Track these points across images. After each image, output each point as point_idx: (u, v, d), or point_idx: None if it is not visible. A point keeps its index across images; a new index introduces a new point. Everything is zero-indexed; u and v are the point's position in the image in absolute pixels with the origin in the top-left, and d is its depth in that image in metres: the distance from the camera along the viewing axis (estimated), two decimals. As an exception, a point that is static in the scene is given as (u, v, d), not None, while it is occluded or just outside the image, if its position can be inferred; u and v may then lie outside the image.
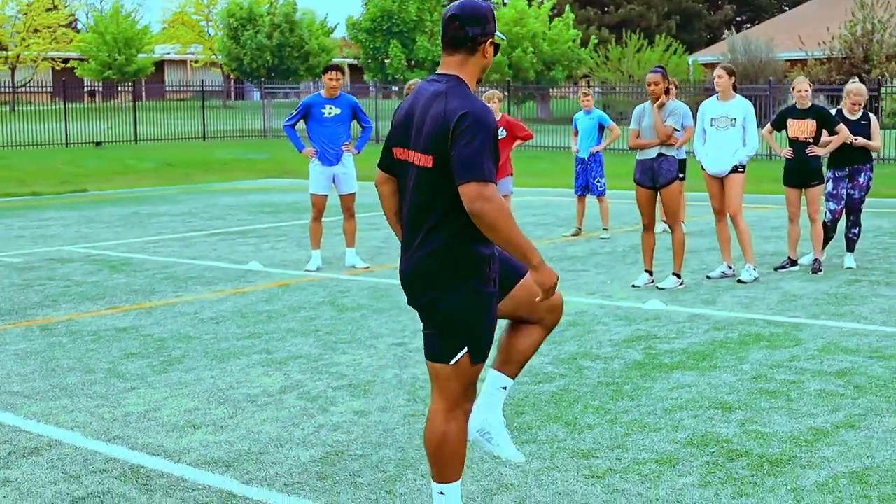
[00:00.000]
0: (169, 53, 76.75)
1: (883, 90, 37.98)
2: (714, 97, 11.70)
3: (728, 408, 6.66)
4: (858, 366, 7.67)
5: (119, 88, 55.53)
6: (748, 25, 70.67)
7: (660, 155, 10.95)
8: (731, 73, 11.69)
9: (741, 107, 11.49)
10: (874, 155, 12.53)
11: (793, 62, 50.16)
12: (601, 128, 15.31)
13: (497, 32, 4.58)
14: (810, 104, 12.00)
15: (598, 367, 7.73)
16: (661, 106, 10.90)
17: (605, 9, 67.11)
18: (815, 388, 7.09)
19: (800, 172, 11.98)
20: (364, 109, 13.29)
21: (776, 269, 12.18)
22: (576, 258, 13.21)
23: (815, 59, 48.72)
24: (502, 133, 14.14)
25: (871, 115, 12.29)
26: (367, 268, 12.61)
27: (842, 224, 12.47)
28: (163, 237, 15.68)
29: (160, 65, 76.41)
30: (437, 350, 4.62)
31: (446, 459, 4.66)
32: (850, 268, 12.20)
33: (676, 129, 10.97)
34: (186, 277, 12.04)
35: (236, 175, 28.59)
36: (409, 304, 4.73)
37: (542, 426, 6.35)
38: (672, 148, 10.99)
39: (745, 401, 6.81)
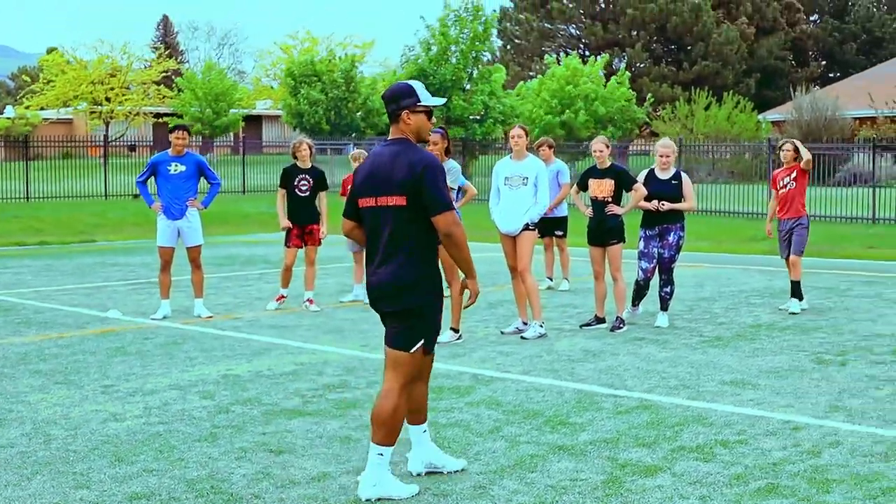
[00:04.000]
0: (269, 109, 78.76)
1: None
2: (508, 157, 12.08)
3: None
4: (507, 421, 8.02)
5: (217, 143, 57.34)
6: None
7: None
8: (527, 132, 12.09)
9: (533, 166, 11.86)
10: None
11: (861, 120, 49.49)
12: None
13: (420, 101, 6.08)
14: (609, 164, 12.29)
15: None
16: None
17: (681, 66, 66.96)
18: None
19: (600, 231, 12.26)
20: (211, 166, 13.93)
21: (581, 326, 12.41)
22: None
23: (886, 117, 48.10)
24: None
25: (684, 174, 12.50)
26: (210, 317, 13.17)
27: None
28: (83, 286, 16.42)
29: (258, 119, 78.54)
30: (399, 342, 6.13)
31: (395, 426, 6.10)
32: (659, 326, 12.37)
33: (452, 189, 11.36)
34: (37, 322, 12.78)
35: (252, 228, 29.56)
36: (381, 309, 6.23)
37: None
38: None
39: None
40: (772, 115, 56.29)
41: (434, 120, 6.26)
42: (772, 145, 32.53)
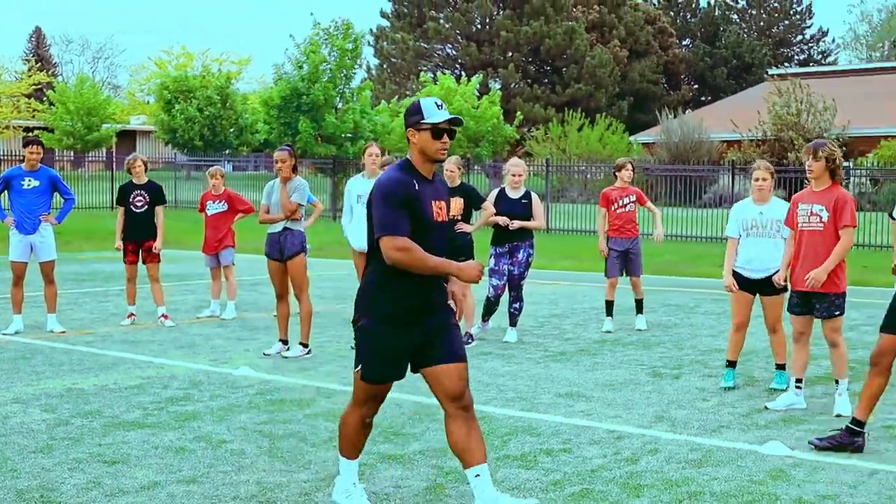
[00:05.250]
0: (143, 124, 77.91)
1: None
2: (361, 175, 12.29)
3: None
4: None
5: (89, 158, 56.51)
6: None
7: (285, 229, 11.51)
8: (383, 151, 12.31)
9: (385, 185, 12.06)
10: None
11: (729, 143, 50.81)
12: None
13: (424, 119, 5.80)
14: (459, 182, 12.57)
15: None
16: (287, 181, 11.47)
17: (555, 88, 68.04)
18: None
19: (450, 249, 12.46)
20: (82, 182, 13.88)
21: (432, 340, 12.62)
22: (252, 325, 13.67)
23: (750, 141, 49.48)
24: (223, 206, 14.74)
25: (533, 194, 12.83)
26: (63, 332, 13.10)
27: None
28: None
29: (132, 135, 77.58)
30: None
31: (341, 435, 6.19)
32: (507, 341, 12.66)
33: (301, 205, 11.53)
34: None
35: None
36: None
37: None
38: (298, 223, 11.55)
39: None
40: (643, 137, 57.53)
41: (446, 138, 5.82)
42: (639, 166, 33.25)
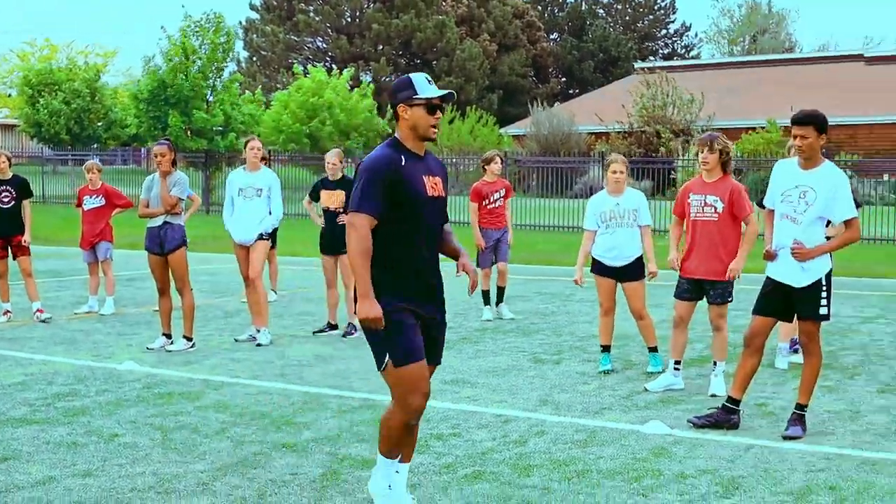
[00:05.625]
0: (6, 118, 75.94)
1: (678, 163, 39.35)
2: (241, 168, 12.31)
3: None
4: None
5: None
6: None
7: (165, 223, 11.48)
8: (262, 146, 12.35)
9: (267, 178, 12.14)
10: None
11: (597, 135, 51.66)
12: None
13: (417, 94, 5.59)
14: (341, 176, 12.68)
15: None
16: (167, 175, 11.44)
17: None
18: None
19: (332, 241, 12.61)
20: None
21: (315, 332, 12.74)
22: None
23: (617, 133, 50.43)
24: (101, 201, 14.60)
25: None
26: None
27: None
28: None
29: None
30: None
31: (382, 435, 5.80)
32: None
33: (181, 199, 11.53)
34: None
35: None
36: None
37: None
38: (178, 217, 11.54)
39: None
40: (513, 129, 58.20)
41: (439, 114, 5.61)
42: (509, 158, 33.74)
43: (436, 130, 5.63)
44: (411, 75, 5.71)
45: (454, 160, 43.20)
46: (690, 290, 9.28)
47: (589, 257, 10.38)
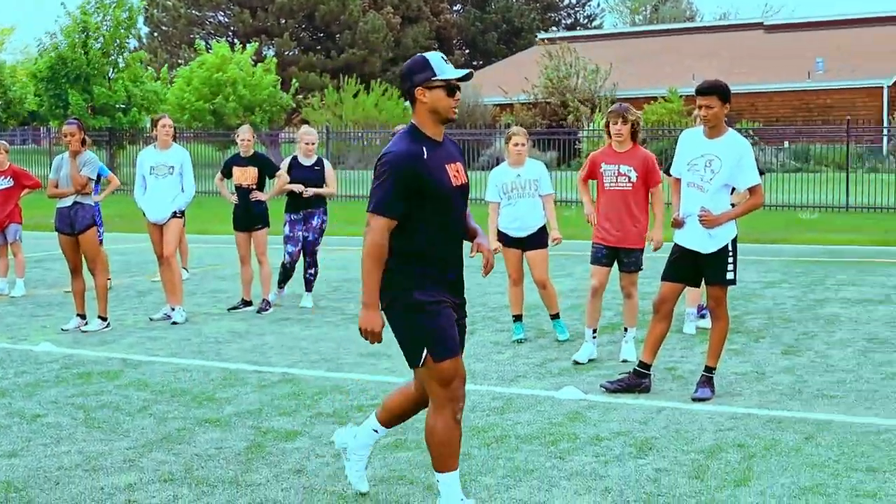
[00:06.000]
0: None
1: (582, 133, 39.80)
2: (152, 146, 12.28)
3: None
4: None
5: None
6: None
7: (76, 203, 11.44)
8: (172, 124, 12.32)
9: (178, 155, 12.14)
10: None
11: (502, 107, 51.97)
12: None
13: (436, 75, 5.23)
14: (253, 152, 12.72)
15: None
16: (76, 155, 11.39)
17: (329, 54, 68.11)
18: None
19: (245, 217, 12.67)
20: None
21: (229, 309, 12.79)
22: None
23: (521, 104, 50.79)
24: (9, 182, 14.44)
25: (326, 161, 13.09)
26: None
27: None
28: None
29: None
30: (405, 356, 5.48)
31: (436, 451, 5.40)
32: (304, 307, 12.91)
33: (91, 179, 11.48)
34: None
35: None
36: None
37: None
38: (88, 196, 11.49)
39: None
40: (418, 102, 58.16)
41: (459, 95, 5.30)
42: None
43: (456, 111, 5.33)
44: (427, 55, 5.33)
45: (359, 134, 43.23)
46: (607, 255, 9.50)
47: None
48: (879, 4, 59.36)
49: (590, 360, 9.56)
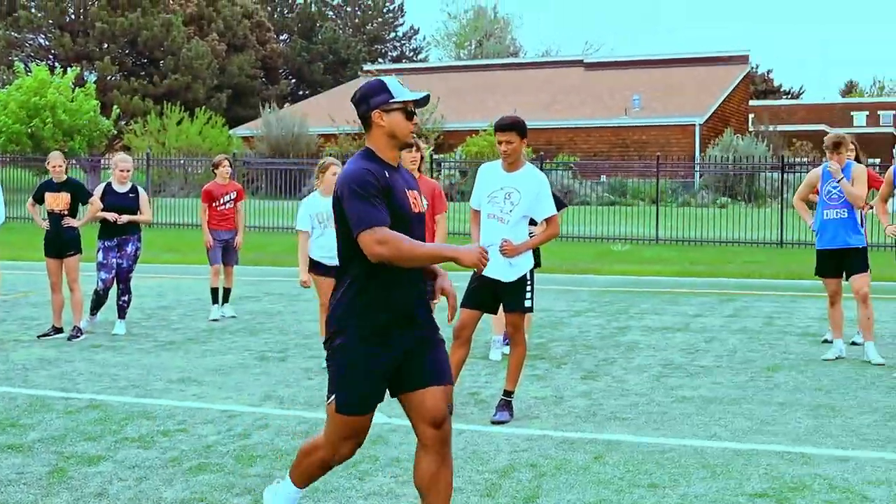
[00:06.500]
0: None
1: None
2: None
3: None
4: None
5: None
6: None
7: None
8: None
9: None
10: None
11: (327, 136, 52.13)
12: None
13: (394, 98, 5.08)
14: (66, 178, 12.65)
15: None
16: None
17: (153, 80, 67.36)
18: None
19: (56, 244, 12.58)
20: None
21: (39, 336, 12.66)
22: None
23: (346, 134, 51.06)
24: None
25: (140, 188, 13.10)
26: None
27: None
28: None
29: None
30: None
31: (301, 462, 5.47)
32: (116, 333, 12.86)
33: None
34: None
35: None
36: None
37: None
38: None
39: None
40: (242, 130, 58.05)
41: (416, 120, 5.12)
42: (233, 160, 33.88)
43: (412, 135, 5.20)
44: (383, 78, 5.17)
45: (182, 162, 42.90)
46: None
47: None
48: (694, 45, 61.66)
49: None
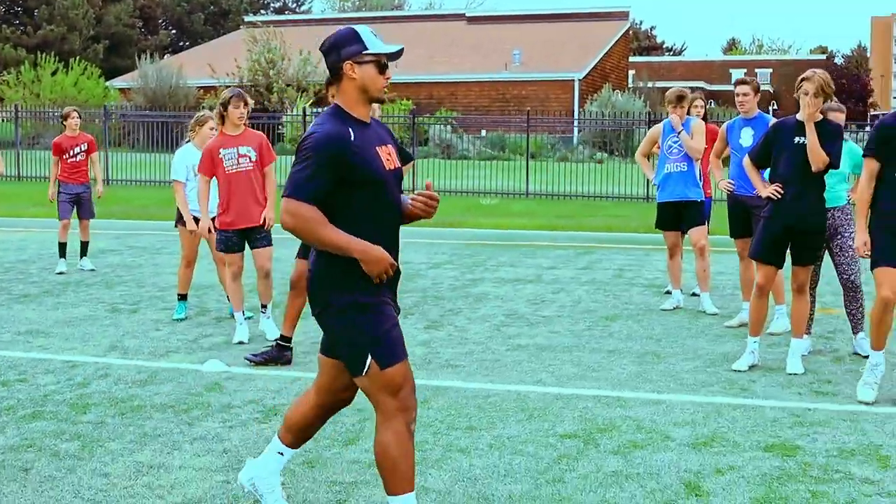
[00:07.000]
0: None
1: (285, 118, 40.11)
2: None
3: None
4: None
5: None
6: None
7: None
8: None
9: None
10: None
11: (206, 89, 51.64)
12: None
13: (368, 49, 4.79)
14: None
15: None
16: None
17: (26, 29, 66.03)
18: None
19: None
20: None
21: None
22: None
23: (226, 87, 50.56)
24: None
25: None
26: None
27: None
28: None
29: None
30: (343, 361, 4.91)
31: (389, 468, 4.82)
32: (-29, 286, 12.84)
33: None
34: None
35: None
36: None
37: None
38: None
39: None
40: (119, 82, 57.27)
41: (389, 74, 4.87)
42: (108, 112, 33.60)
43: (386, 91, 4.92)
44: (356, 27, 4.87)
45: (55, 114, 42.21)
46: (239, 241, 9.83)
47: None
48: (577, 1, 62.26)
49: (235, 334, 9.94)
